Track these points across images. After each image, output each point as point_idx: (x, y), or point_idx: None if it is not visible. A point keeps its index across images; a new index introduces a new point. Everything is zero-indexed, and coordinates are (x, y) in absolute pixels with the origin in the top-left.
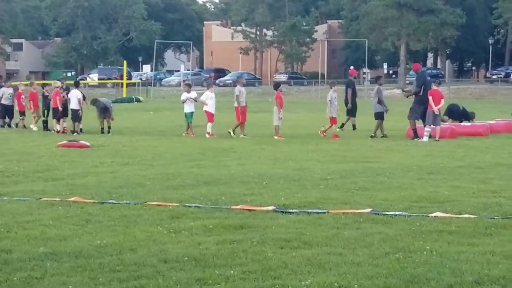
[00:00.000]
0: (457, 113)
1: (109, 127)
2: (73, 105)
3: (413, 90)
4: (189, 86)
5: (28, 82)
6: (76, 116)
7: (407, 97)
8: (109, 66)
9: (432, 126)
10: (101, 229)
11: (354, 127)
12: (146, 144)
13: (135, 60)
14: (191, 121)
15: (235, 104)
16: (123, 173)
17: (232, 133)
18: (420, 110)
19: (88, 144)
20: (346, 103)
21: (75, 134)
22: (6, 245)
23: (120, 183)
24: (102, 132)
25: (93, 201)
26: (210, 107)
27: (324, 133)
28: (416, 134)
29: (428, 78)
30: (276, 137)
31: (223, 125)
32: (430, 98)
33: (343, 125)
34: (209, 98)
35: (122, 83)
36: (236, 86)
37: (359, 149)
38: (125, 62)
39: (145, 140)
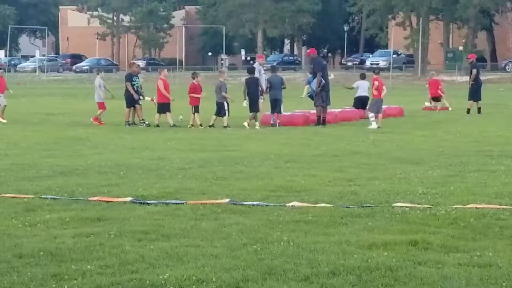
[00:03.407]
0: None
1: None
2: None
3: (317, 77)
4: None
5: None
6: None
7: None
8: None
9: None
10: None
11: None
12: None
13: None
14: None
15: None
16: None
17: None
18: (324, 95)
19: None
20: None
21: None
22: None
23: None
24: None
25: None
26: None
27: (99, 121)
28: (319, 121)
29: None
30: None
31: (80, 112)
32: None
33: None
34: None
35: None
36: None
37: (218, 137)
38: None
39: None
